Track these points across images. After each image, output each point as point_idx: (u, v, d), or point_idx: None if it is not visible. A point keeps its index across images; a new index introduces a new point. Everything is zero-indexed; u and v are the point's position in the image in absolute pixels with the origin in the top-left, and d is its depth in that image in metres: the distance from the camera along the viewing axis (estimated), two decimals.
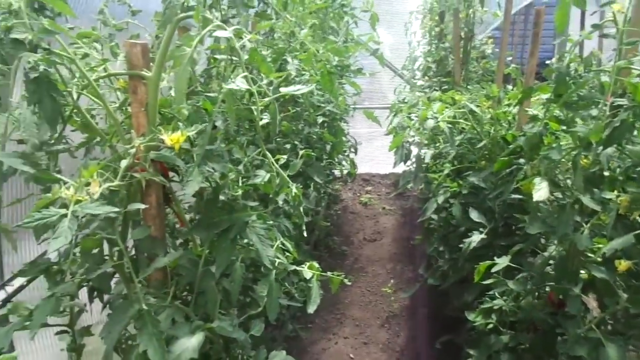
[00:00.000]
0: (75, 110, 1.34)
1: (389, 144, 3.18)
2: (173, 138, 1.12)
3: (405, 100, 3.92)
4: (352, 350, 3.58)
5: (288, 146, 2.87)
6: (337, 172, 4.98)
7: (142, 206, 1.22)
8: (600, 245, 1.63)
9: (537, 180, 1.68)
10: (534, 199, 1.62)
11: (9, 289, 1.73)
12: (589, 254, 1.77)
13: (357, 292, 4.34)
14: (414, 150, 3.42)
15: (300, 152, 2.86)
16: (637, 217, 1.44)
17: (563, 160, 1.75)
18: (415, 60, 5.21)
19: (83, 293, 1.49)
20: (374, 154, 6.65)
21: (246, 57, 1.32)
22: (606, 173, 1.70)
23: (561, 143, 1.87)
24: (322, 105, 3.02)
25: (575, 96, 1.71)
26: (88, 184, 1.04)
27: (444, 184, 2.90)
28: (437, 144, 3.20)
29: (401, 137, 2.91)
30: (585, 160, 1.76)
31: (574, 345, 1.52)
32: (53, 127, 1.11)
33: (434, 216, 2.93)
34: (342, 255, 4.91)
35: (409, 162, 3.43)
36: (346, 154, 4.95)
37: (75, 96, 1.25)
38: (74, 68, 1.25)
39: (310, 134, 2.99)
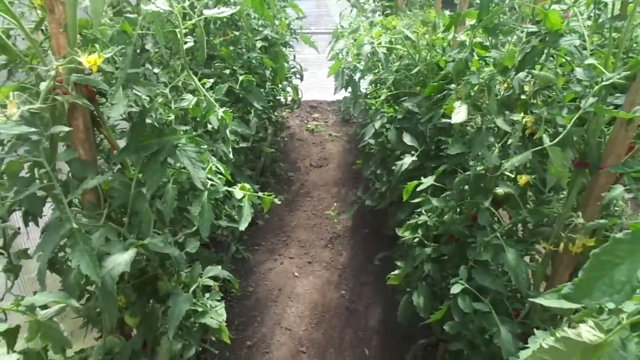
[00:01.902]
0: None
1: None
2: (90, 60, 1.11)
3: (349, 25, 3.89)
4: (297, 269, 3.77)
5: (227, 71, 2.84)
6: (282, 100, 4.97)
7: (66, 129, 1.23)
8: None
9: (456, 104, 1.78)
10: (452, 121, 1.73)
11: None
12: (507, 173, 1.93)
13: (303, 215, 4.51)
14: (357, 76, 3.46)
15: (240, 78, 2.86)
16: (543, 136, 1.56)
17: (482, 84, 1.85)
18: None
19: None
20: (321, 80, 6.61)
21: None
22: (523, 97, 1.83)
23: (486, 69, 1.97)
24: (260, 29, 2.96)
25: (495, 22, 1.79)
26: (5, 106, 1.04)
27: (382, 109, 2.98)
28: (377, 70, 3.24)
29: (340, 63, 2.93)
30: (506, 84, 1.87)
31: (481, 252, 1.70)
32: None
33: (372, 141, 3.04)
34: (289, 181, 5.03)
35: (350, 89, 3.47)
36: (291, 80, 4.93)
37: None
38: None
39: (249, 59, 2.96)
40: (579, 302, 0.57)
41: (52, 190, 1.30)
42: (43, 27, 1.44)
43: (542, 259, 1.72)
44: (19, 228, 1.58)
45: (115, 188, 1.48)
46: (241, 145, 2.80)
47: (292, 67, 4.91)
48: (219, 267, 1.73)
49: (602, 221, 1.37)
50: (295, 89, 4.59)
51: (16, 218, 1.67)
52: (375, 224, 4.15)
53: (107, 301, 1.29)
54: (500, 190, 1.87)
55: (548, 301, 0.63)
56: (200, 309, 1.66)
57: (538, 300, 0.64)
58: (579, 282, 0.57)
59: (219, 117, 1.42)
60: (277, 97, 4.61)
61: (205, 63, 2.72)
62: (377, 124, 2.93)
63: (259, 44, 3.01)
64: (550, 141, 1.46)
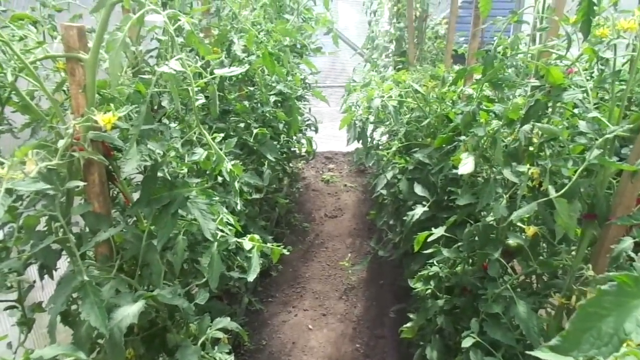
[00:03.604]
0: (14, 92, 1.38)
1: None
2: (105, 119, 1.18)
3: (362, 79, 4.01)
4: (311, 322, 3.72)
5: (242, 125, 2.93)
6: (297, 151, 5.06)
7: (81, 184, 1.29)
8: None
9: (463, 155, 1.81)
10: (459, 173, 1.75)
11: None
12: (519, 224, 1.92)
13: (317, 266, 4.48)
14: (370, 127, 3.52)
15: (254, 131, 2.94)
16: (549, 187, 1.56)
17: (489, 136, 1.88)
18: (374, 39, 5.29)
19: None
20: (336, 132, 6.72)
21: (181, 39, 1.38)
22: (531, 148, 1.84)
23: (493, 121, 2.00)
24: (274, 84, 3.07)
25: (500, 77, 1.83)
26: (24, 163, 1.10)
27: (393, 160, 3.02)
28: (388, 122, 3.31)
29: (351, 115, 3.00)
30: (513, 136, 1.90)
31: (491, 304, 1.67)
32: None
33: (384, 191, 3.06)
34: (303, 232, 5.03)
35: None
36: (306, 132, 5.04)
37: (11, 78, 1.29)
38: (9, 50, 1.29)
39: (264, 113, 3.06)
40: (568, 355, 0.57)
41: (66, 243, 1.34)
42: (65, 88, 1.53)
43: (554, 312, 1.68)
44: (34, 281, 1.62)
45: (127, 240, 1.52)
46: (255, 196, 2.84)
47: (307, 120, 5.03)
48: (228, 318, 1.73)
49: (611, 274, 1.34)
50: (309, 140, 4.68)
51: (32, 271, 1.71)
52: (390, 275, 4.10)
53: (114, 354, 1.29)
54: (512, 242, 1.86)
55: (545, 354, 0.62)
56: None
57: (534, 353, 0.63)
58: (567, 334, 0.57)
59: (228, 170, 1.47)
60: (292, 149, 4.70)
61: (221, 117, 2.81)
62: (389, 175, 2.96)
63: (272, 99, 3.11)
64: (557, 192, 1.46)
